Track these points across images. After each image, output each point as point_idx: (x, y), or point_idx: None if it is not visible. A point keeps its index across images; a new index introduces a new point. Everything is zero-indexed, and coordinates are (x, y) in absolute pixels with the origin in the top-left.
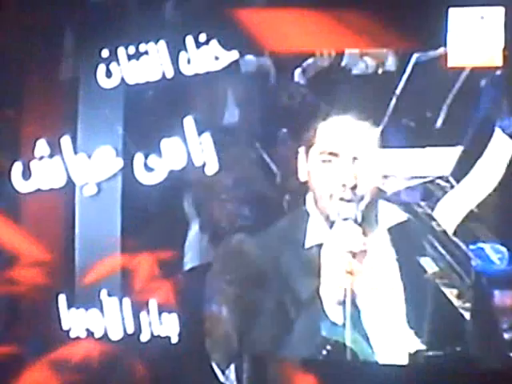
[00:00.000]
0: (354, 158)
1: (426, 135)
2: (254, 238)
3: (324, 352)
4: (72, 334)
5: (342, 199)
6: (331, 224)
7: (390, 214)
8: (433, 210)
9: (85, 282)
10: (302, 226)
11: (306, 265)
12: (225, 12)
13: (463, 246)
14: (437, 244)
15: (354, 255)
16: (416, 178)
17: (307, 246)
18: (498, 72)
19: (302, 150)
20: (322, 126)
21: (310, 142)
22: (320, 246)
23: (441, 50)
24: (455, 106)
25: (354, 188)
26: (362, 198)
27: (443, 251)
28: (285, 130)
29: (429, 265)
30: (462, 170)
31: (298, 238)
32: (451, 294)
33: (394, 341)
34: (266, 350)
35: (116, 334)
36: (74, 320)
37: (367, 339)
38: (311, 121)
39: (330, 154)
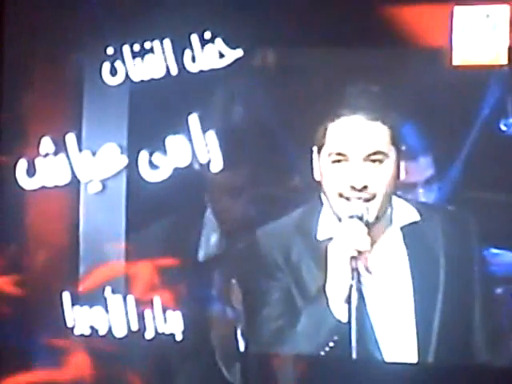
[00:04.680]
0: (364, 159)
1: None
2: (267, 227)
3: (327, 349)
4: (76, 332)
5: (349, 199)
6: (340, 221)
7: (404, 213)
8: None
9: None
10: (316, 218)
11: (317, 258)
12: (230, 10)
13: None
14: None
15: (360, 253)
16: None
17: (319, 238)
18: (503, 70)
19: (314, 149)
20: (331, 125)
21: (321, 142)
22: (331, 240)
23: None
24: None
25: (363, 189)
26: (373, 198)
27: None
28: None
29: None
30: None
31: (311, 229)
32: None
33: (401, 340)
34: (270, 345)
35: (120, 332)
36: (78, 317)
37: (374, 337)
38: (320, 120)
39: (339, 154)
